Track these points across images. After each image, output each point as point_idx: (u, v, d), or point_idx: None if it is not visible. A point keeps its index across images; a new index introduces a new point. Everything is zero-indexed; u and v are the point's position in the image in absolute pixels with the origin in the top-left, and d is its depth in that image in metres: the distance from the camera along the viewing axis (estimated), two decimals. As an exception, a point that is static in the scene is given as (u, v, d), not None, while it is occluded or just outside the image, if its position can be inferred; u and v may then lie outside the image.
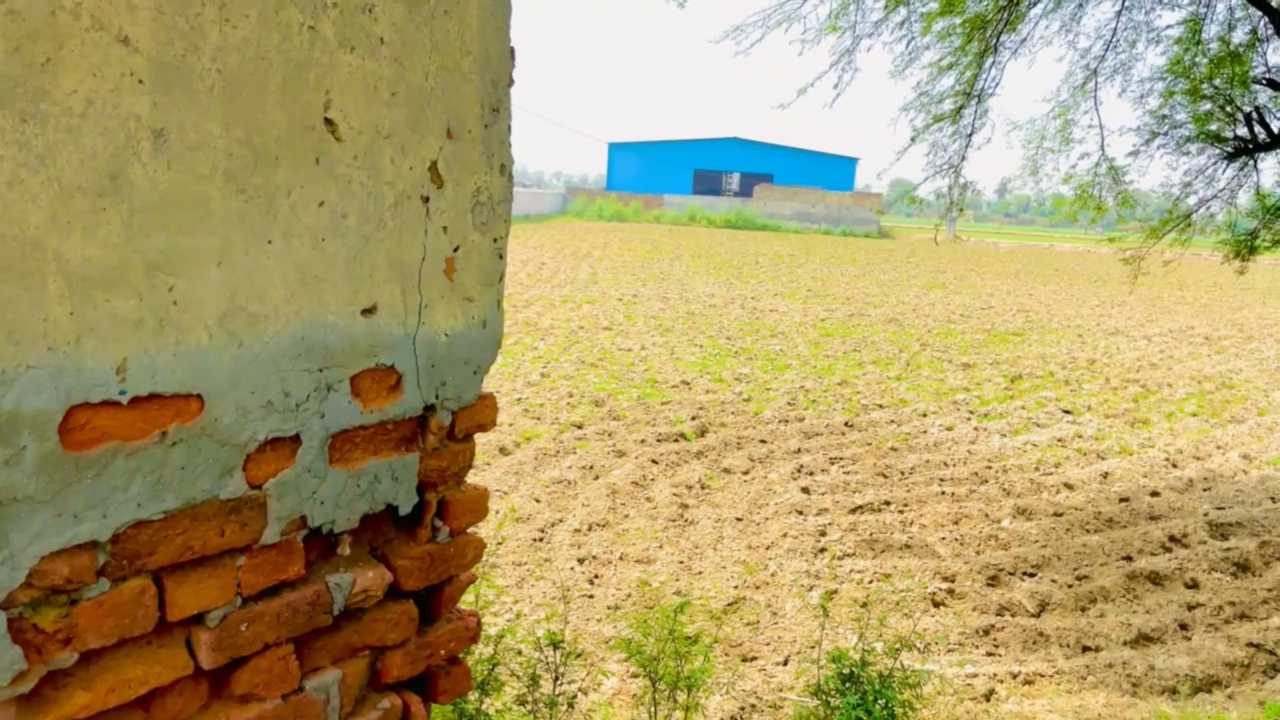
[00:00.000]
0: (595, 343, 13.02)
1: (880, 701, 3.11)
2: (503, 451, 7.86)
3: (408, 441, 1.58)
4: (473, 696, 3.36)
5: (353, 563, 1.56)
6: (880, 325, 16.46)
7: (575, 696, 3.63)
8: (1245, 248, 7.19)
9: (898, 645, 3.50)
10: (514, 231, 34.60)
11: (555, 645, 3.56)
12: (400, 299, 1.50)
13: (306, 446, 1.41)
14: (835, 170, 62.99)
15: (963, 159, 7.01)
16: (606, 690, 4.18)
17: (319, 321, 1.39)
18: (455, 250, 1.57)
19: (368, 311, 1.46)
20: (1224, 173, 6.97)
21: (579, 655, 4.59)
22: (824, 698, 3.31)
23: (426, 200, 1.51)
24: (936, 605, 5.48)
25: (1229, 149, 6.65)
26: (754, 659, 4.72)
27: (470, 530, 1.76)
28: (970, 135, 7.05)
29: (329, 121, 1.35)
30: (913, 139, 7.04)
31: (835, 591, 5.52)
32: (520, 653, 3.63)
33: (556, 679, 3.54)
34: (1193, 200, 7.13)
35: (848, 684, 3.25)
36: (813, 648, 4.85)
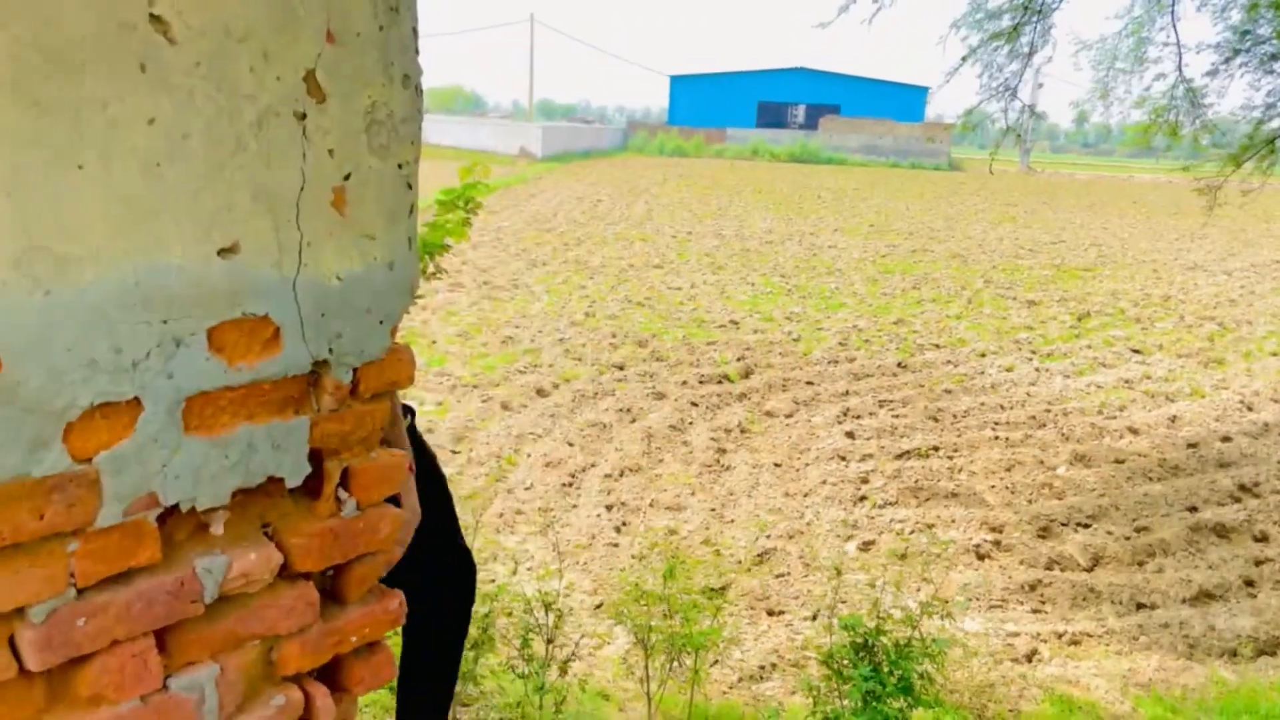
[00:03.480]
0: (644, 281, 12.76)
1: (896, 673, 2.87)
2: (540, 393, 7.69)
3: (295, 403, 1.36)
4: (469, 654, 3.21)
5: (232, 543, 1.35)
6: (943, 261, 15.89)
7: (569, 661, 3.45)
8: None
9: (919, 611, 3.24)
10: (572, 169, 34.27)
11: (547, 606, 3.37)
12: (272, 236, 1.26)
13: (150, 413, 1.19)
14: (904, 100, 61.06)
15: (1020, 80, 6.50)
16: (611, 652, 4.01)
17: (158, 264, 1.16)
18: (346, 178, 1.33)
19: (226, 251, 1.22)
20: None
21: (599, 606, 4.42)
22: (835, 667, 3.08)
23: (303, 118, 1.27)
24: (981, 558, 5.19)
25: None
26: (780, 613, 4.51)
27: (385, 502, 1.55)
28: (1030, 55, 6.53)
29: (156, 18, 1.11)
30: (964, 59, 6.55)
31: (873, 542, 5.27)
32: (510, 613, 3.45)
33: (550, 642, 3.36)
34: (1277, 123, 6.55)
35: (861, 653, 3.02)
36: (844, 603, 4.62)
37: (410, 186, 1.43)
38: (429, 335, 9.27)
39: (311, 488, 1.42)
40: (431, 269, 3.19)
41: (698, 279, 13.09)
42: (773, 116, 60.91)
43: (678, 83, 63.88)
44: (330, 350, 1.37)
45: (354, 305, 1.39)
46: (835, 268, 14.68)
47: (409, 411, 2.17)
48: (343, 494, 1.46)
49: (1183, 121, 7.12)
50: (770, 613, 4.51)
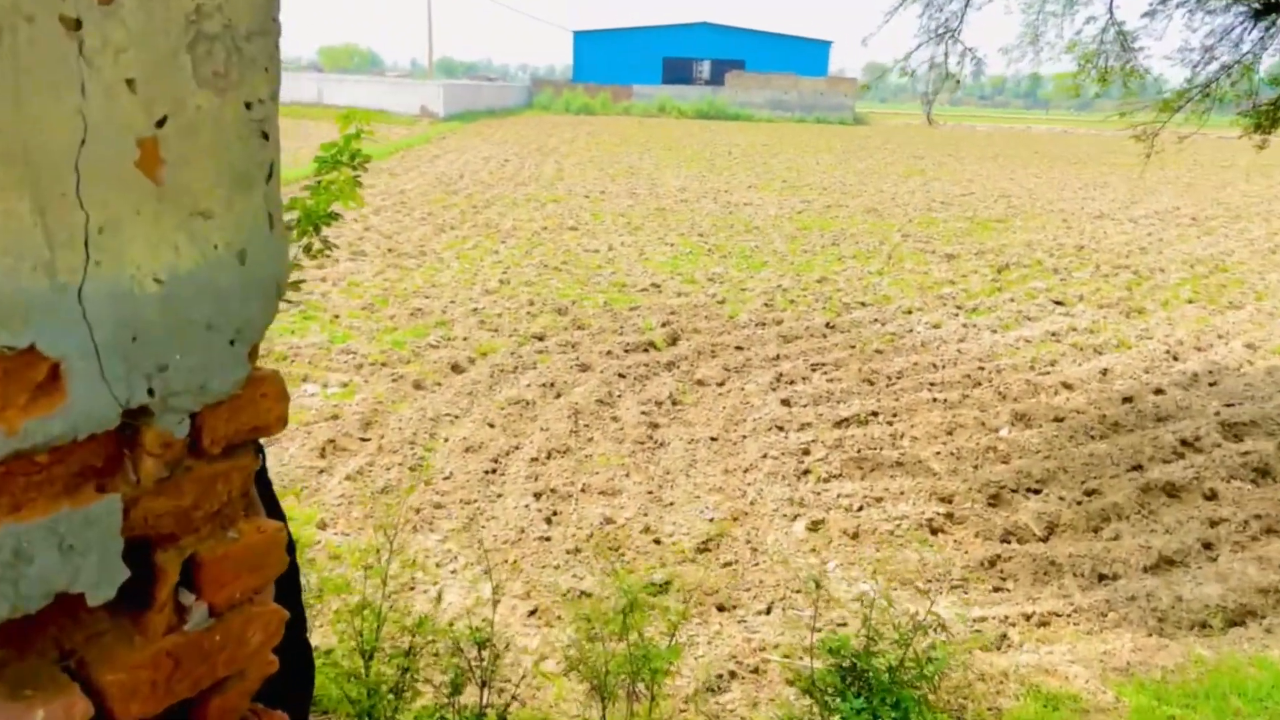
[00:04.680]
0: (559, 244, 12.23)
1: (891, 702, 2.51)
2: (455, 369, 7.17)
3: (96, 477, 0.89)
4: (389, 699, 2.74)
5: (8, 694, 0.88)
6: (859, 216, 15.71)
7: (507, 707, 3.01)
8: (1268, 120, 6.46)
9: (910, 628, 2.88)
10: (475, 128, 33.25)
11: (481, 645, 2.92)
12: (32, 220, 0.78)
13: None
14: (808, 55, 61.01)
15: (961, 21, 6.17)
16: (551, 668, 3.58)
17: None
18: (160, 124, 0.86)
19: (-55, 250, 0.74)
20: (1250, 34, 6.19)
21: (533, 613, 4.00)
22: (820, 697, 2.71)
23: (77, 27, 0.79)
24: (934, 533, 4.91)
25: (1257, 4, 5.86)
26: (733, 608, 4.14)
27: (258, 599, 1.08)
28: (970, -6, 6.20)
29: None
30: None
31: (822, 521, 4.94)
32: (438, 653, 2.99)
33: (484, 686, 2.92)
34: (1214, 67, 6.36)
35: (849, 680, 2.65)
36: (798, 593, 4.27)
37: (267, 137, 0.95)
38: (331, 309, 8.63)
39: (137, 595, 0.96)
40: (317, 244, 2.66)
41: (615, 240, 12.62)
42: (678, 72, 60.26)
43: (582, 39, 62.70)
44: (151, 391, 0.89)
45: (188, 319, 0.91)
46: (753, 225, 14.36)
47: (258, 451, 1.71)
48: (187, 597, 1.00)
49: (1113, 68, 6.89)
50: (721, 608, 4.14)
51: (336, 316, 8.42)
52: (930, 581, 4.41)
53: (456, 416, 6.25)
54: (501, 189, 17.15)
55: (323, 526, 4.74)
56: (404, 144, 25.35)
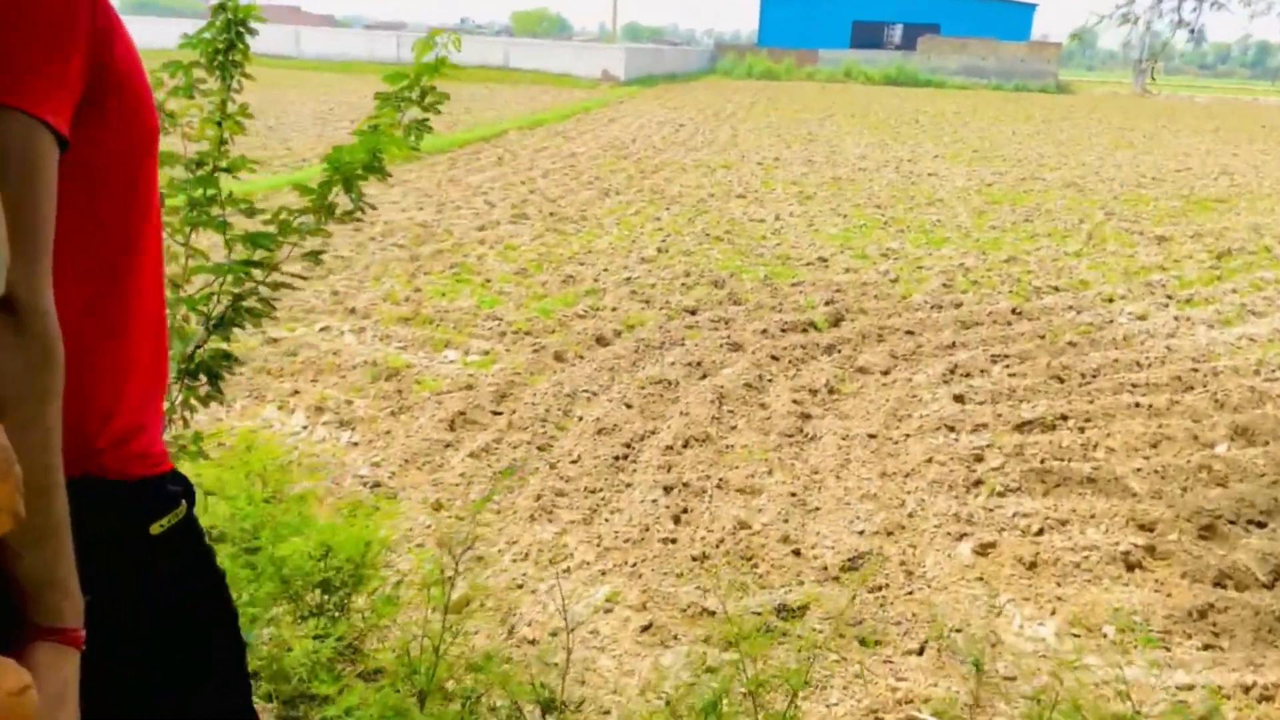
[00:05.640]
0: (725, 212, 11.66)
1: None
2: (599, 342, 6.78)
3: None
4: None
5: None
6: (1057, 191, 14.37)
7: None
8: None
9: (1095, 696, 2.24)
10: (654, 93, 32.91)
11: (547, 709, 2.47)
12: None
13: None
14: (1009, 18, 57.38)
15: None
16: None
17: None
18: None
19: None
20: None
21: (655, 633, 3.55)
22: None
23: None
24: (1131, 568, 4.14)
25: None
26: (877, 644, 3.56)
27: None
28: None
29: None
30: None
31: (993, 545, 4.25)
32: (494, 708, 2.56)
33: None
34: None
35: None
36: (958, 631, 3.64)
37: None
38: (484, 272, 8.41)
39: None
40: (346, 204, 2.22)
41: (783, 210, 11.94)
42: (868, 36, 57.93)
43: (768, 3, 61.16)
44: None
45: None
46: (936, 198, 13.34)
47: (182, 496, 1.30)
48: None
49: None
50: (864, 642, 3.56)
51: (488, 280, 8.19)
52: (1123, 632, 3.68)
53: (594, 394, 5.85)
54: (672, 154, 16.69)
55: (437, 508, 4.44)
56: (581, 107, 25.27)
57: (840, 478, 4.89)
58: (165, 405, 1.94)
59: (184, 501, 1.26)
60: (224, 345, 1.94)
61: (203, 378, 1.96)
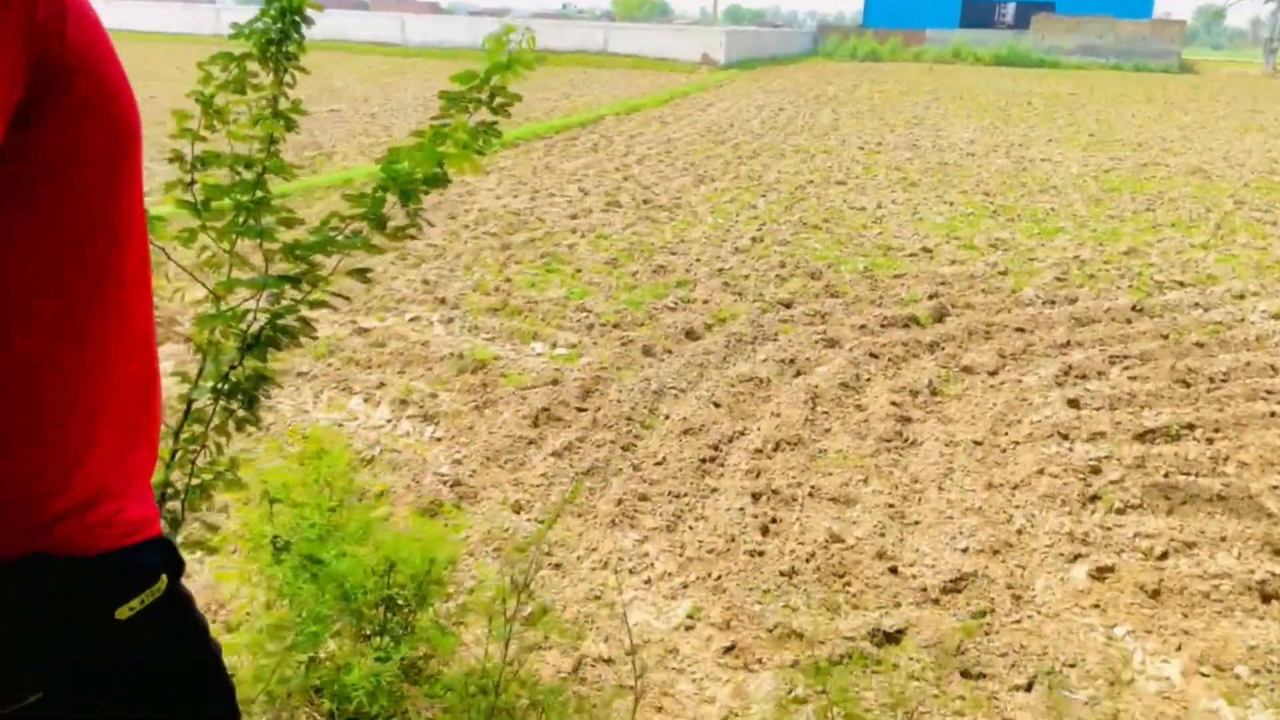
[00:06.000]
0: (823, 200, 11.29)
1: None
2: (689, 335, 6.57)
3: None
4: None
5: None
6: (1181, 178, 13.53)
7: None
8: None
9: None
10: (753, 76, 32.38)
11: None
12: None
13: None
14: (1130, -6, 54.69)
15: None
16: None
17: None
18: None
19: None
20: None
21: (738, 655, 3.34)
22: None
23: None
24: (1267, 600, 3.76)
25: None
26: (980, 676, 3.28)
27: None
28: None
29: None
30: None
31: (1111, 569, 3.91)
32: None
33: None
34: None
35: None
36: (1071, 666, 3.33)
37: None
38: (575, 262, 8.28)
39: None
40: (399, 220, 2.02)
41: (885, 198, 11.50)
42: (978, 15, 55.95)
43: (874, -19, 59.58)
44: None
45: None
46: (1050, 185, 12.69)
47: (162, 568, 1.11)
48: None
49: None
50: (966, 675, 3.28)
51: (579, 270, 8.05)
52: (1258, 673, 3.32)
53: (682, 391, 5.65)
54: (770, 139, 16.31)
55: (517, 510, 4.30)
56: (679, 91, 24.99)
57: (942, 488, 4.58)
58: (171, 448, 1.80)
59: (164, 575, 1.06)
60: (260, 366, 1.79)
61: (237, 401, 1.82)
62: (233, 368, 1.75)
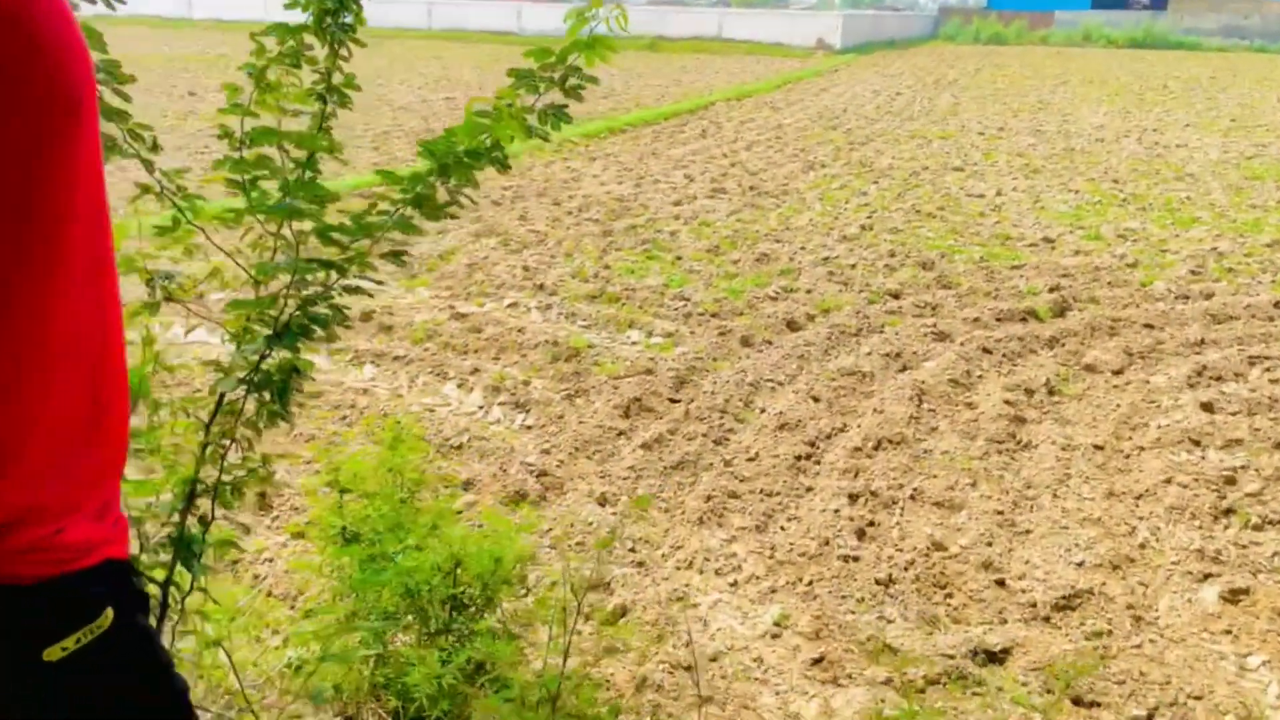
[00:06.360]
0: (939, 187, 10.84)
1: None
2: (790, 326, 6.34)
3: None
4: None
5: None
6: (1335, 164, 12.54)
7: None
8: None
9: None
10: (871, 60, 31.58)
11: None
12: None
13: None
14: (1281, -30, 51.25)
15: None
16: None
17: None
18: None
19: None
20: None
21: (827, 668, 3.15)
22: None
23: None
24: None
25: None
26: (1094, 705, 3.00)
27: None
28: None
29: None
30: None
31: (1245, 591, 3.55)
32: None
33: None
34: None
35: None
36: (1198, 699, 3.02)
37: None
38: (676, 249, 8.12)
39: None
40: (442, 193, 1.85)
41: (1005, 184, 10.97)
42: (1111, -4, 53.31)
43: (1000, -38, 57.40)
44: None
45: None
46: (1186, 172, 11.91)
47: (108, 600, 0.92)
48: None
49: None
50: (1078, 702, 3.01)
51: (679, 258, 7.89)
52: None
53: (779, 384, 5.44)
54: (885, 124, 15.80)
55: (602, 503, 4.18)
56: (792, 77, 24.51)
57: (1057, 496, 4.26)
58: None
59: (109, 609, 0.90)
60: (290, 357, 1.69)
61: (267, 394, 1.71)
62: (263, 358, 1.66)
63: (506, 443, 4.73)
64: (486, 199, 9.89)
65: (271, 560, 3.60)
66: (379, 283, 1.70)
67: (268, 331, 1.62)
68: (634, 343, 6.08)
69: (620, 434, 4.83)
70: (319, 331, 1.65)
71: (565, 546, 3.80)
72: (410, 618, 2.57)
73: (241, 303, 1.63)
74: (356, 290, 1.67)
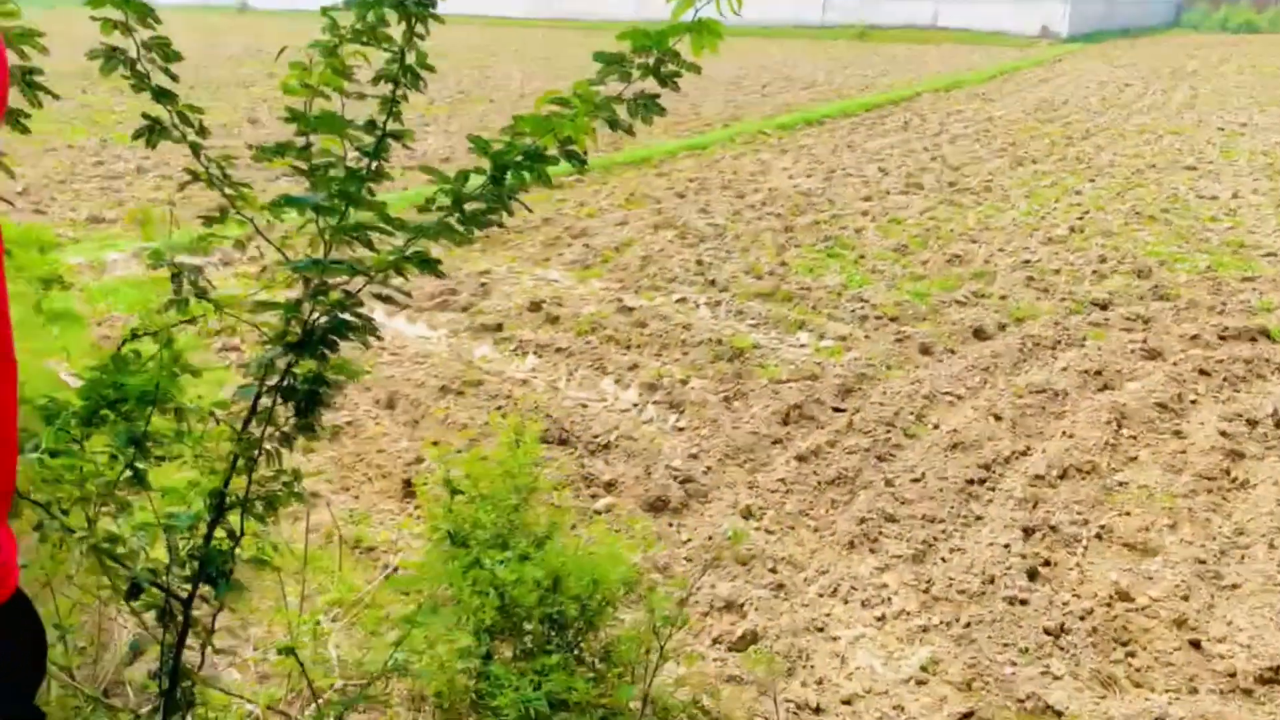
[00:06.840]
0: (1165, 187, 9.83)
1: None
2: (978, 334, 5.85)
3: None
4: None
5: None
6: None
7: None
8: None
9: None
10: (1099, 50, 29.39)
11: None
12: None
13: None
14: None
15: None
16: None
17: None
18: None
19: None
20: None
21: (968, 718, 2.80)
22: None
23: None
24: None
25: None
26: (1303, 811, 2.50)
27: None
28: None
29: None
30: None
31: None
32: None
33: None
34: None
35: None
36: None
37: None
38: (859, 248, 7.71)
39: None
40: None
41: (1243, 186, 9.82)
42: (1392, -25, 47.37)
43: (1257, -60, 52.22)
44: None
45: None
46: None
47: None
48: None
49: None
50: (1279, 806, 2.53)
51: (862, 257, 7.48)
52: None
53: (958, 398, 5.00)
54: (1109, 118, 14.57)
55: (747, 516, 3.93)
56: (1009, 67, 23.11)
57: (1275, 546, 3.67)
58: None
59: None
60: (316, 366, 1.55)
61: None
62: (289, 368, 1.52)
63: (655, 444, 4.56)
64: (671, 190, 9.76)
65: (400, 552, 3.58)
66: (407, 294, 1.53)
67: (292, 337, 1.48)
68: (802, 345, 5.77)
69: (775, 442, 4.56)
70: (339, 343, 1.50)
71: (698, 562, 3.58)
72: (507, 632, 2.43)
73: (262, 304, 1.51)
74: (388, 300, 1.51)
